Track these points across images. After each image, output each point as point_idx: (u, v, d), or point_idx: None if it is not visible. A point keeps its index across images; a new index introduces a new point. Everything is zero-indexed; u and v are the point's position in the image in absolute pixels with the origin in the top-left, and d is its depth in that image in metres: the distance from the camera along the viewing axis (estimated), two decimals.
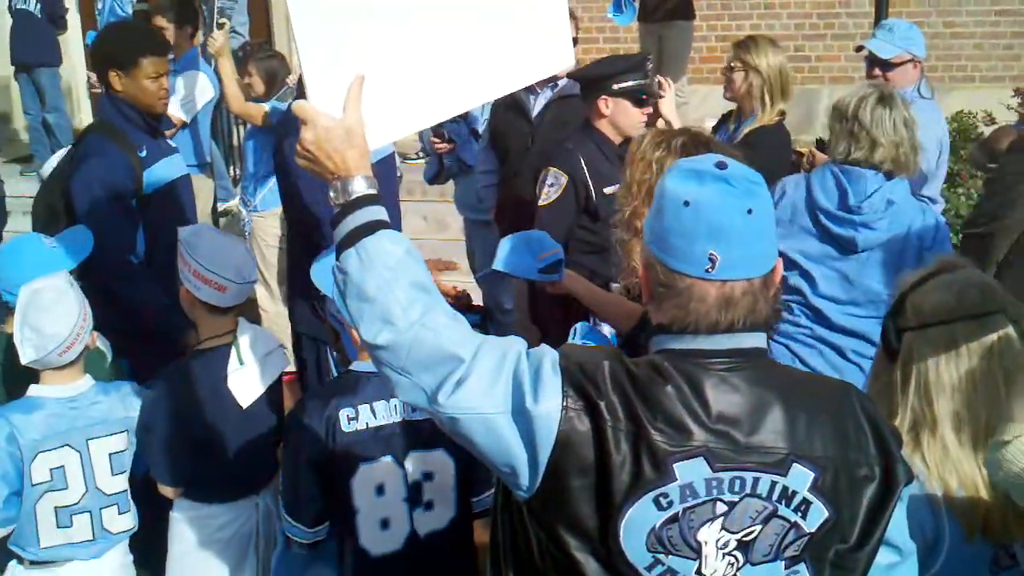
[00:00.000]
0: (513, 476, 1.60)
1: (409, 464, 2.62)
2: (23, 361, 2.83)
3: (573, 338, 2.83)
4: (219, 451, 3.00)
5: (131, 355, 3.39)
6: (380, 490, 2.59)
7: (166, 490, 3.03)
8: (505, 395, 1.57)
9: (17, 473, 2.81)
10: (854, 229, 3.24)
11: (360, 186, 1.75)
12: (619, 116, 3.83)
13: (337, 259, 1.71)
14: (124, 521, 2.99)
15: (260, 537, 3.07)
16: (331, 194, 1.76)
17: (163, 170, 3.88)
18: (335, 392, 2.63)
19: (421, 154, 7.31)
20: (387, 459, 2.60)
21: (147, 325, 3.48)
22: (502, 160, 4.66)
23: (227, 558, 3.03)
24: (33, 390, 2.90)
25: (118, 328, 3.41)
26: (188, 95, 5.97)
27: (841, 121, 3.28)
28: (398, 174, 4.88)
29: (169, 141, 4.32)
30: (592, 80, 3.89)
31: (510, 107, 4.44)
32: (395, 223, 3.81)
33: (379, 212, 1.73)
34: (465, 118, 5.81)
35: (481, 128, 5.16)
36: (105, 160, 3.69)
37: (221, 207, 7.26)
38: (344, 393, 2.61)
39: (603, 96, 3.82)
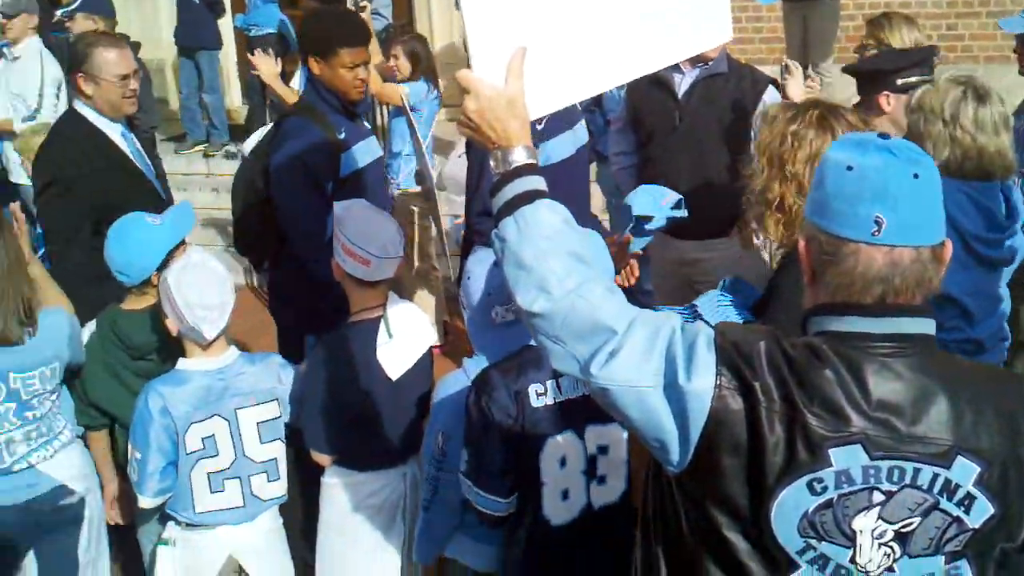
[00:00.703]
0: (663, 451, 1.61)
1: (587, 437, 2.66)
2: (172, 332, 2.96)
3: (701, 308, 2.83)
4: (369, 421, 3.08)
5: (319, 331, 3.48)
6: (563, 462, 2.63)
7: (320, 457, 3.13)
8: (657, 370, 1.58)
9: (172, 444, 2.95)
10: (1007, 245, 3.09)
11: (520, 156, 1.78)
12: (900, 113, 3.59)
13: (496, 227, 1.75)
14: (273, 488, 3.11)
15: (407, 506, 3.15)
16: (491, 163, 1.80)
17: (359, 153, 3.97)
18: (522, 366, 2.64)
19: None
20: (569, 433, 2.63)
21: (335, 303, 3.60)
22: (644, 141, 4.57)
23: (376, 524, 3.12)
24: (181, 363, 3.03)
25: (308, 306, 3.52)
26: None
27: (936, 124, 3.05)
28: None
29: (366, 124, 4.42)
30: (874, 74, 3.78)
31: (654, 85, 4.33)
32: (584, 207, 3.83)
33: (538, 182, 1.76)
34: (600, 107, 5.78)
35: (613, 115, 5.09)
36: (305, 141, 3.78)
37: None
38: (532, 368, 2.63)
39: (885, 92, 3.72)
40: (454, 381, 2.87)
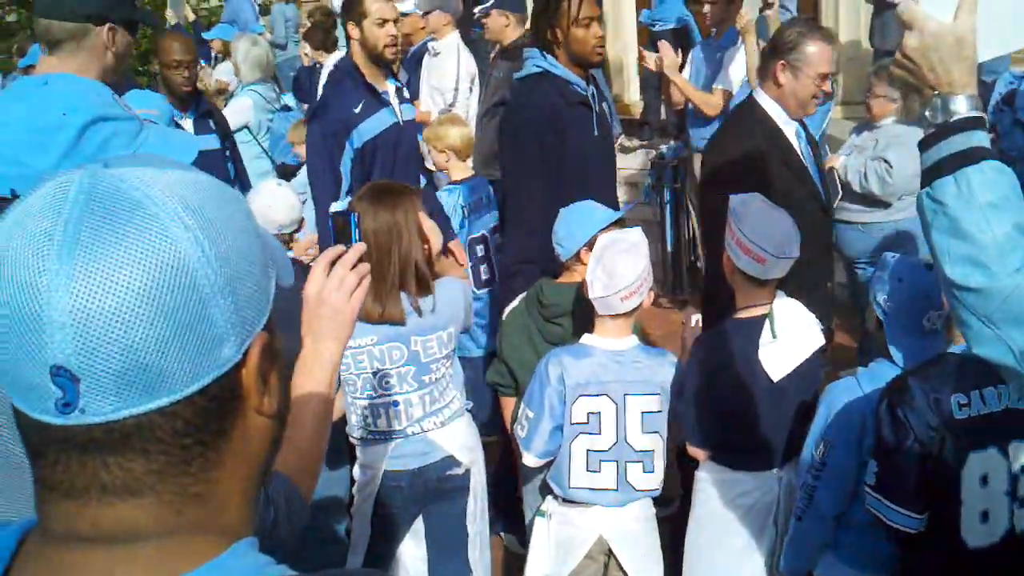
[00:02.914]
0: None
1: (1011, 454, 2.43)
2: (591, 296, 3.01)
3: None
4: (746, 420, 3.03)
5: None
6: (984, 481, 2.42)
7: (695, 451, 3.13)
8: None
9: (562, 410, 3.04)
10: None
11: (963, 106, 1.57)
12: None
13: (928, 186, 1.57)
14: (648, 480, 3.11)
15: (780, 510, 3.06)
16: (927, 112, 1.61)
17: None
18: (941, 375, 2.46)
19: None
20: (992, 449, 2.42)
21: None
22: None
23: (747, 525, 3.06)
24: (586, 338, 3.11)
25: None
26: (733, 69, 6.06)
27: None
28: None
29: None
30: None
31: None
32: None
33: (982, 139, 1.56)
34: (1012, 106, 5.25)
35: None
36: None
37: None
38: (951, 377, 2.44)
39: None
40: (843, 388, 2.75)
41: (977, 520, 2.43)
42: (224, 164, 5.06)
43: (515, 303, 3.55)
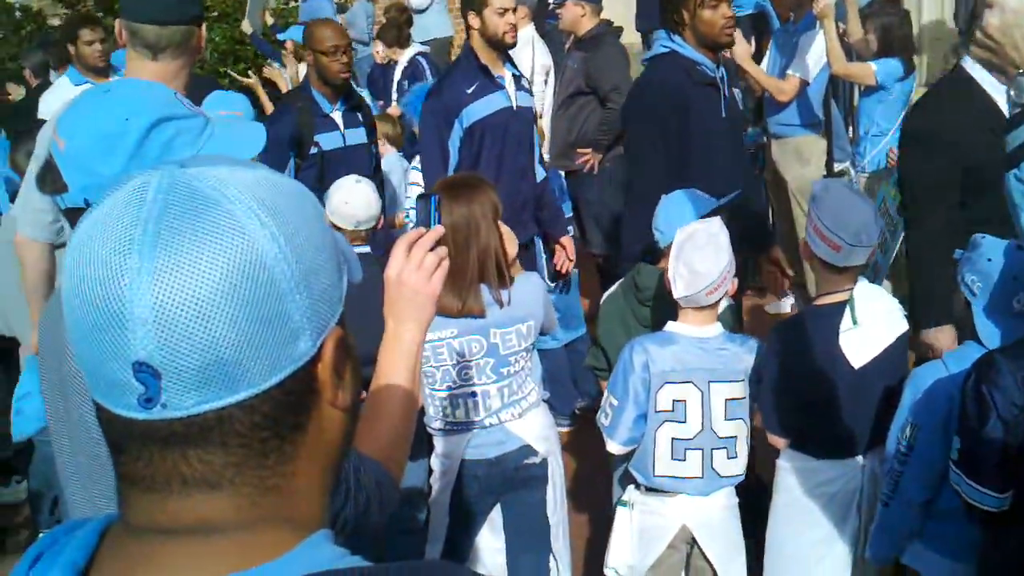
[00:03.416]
0: None
1: None
2: (675, 295, 2.99)
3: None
4: (827, 408, 2.98)
5: None
6: None
7: (775, 439, 3.09)
8: None
9: (647, 398, 3.03)
10: None
11: None
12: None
13: (1016, 168, 1.54)
14: (733, 467, 3.08)
15: (864, 498, 3.01)
16: (1012, 92, 1.59)
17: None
18: None
19: None
20: None
21: None
22: None
23: (829, 513, 3.02)
24: (670, 326, 3.09)
25: None
26: (808, 54, 5.96)
27: None
28: None
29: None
30: None
31: None
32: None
33: None
34: None
35: None
36: None
37: (836, 167, 7.18)
38: None
39: None
40: (929, 371, 2.71)
41: None
42: (369, 159, 4.94)
43: (613, 288, 3.58)
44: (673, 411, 3.02)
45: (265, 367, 0.81)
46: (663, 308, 3.23)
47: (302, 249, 0.83)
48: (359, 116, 4.96)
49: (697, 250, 2.94)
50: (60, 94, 5.16)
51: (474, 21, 4.46)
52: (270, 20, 9.97)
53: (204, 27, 2.77)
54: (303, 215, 0.86)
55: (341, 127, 4.80)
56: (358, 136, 4.88)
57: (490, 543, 3.37)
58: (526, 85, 4.79)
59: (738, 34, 6.05)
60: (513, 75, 4.63)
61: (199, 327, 0.78)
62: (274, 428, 0.83)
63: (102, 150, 1.56)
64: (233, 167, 0.86)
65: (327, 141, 4.72)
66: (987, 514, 2.45)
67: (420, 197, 1.94)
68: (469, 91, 4.42)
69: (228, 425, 0.81)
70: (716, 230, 3.00)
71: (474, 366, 3.12)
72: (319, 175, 4.56)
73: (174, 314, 0.77)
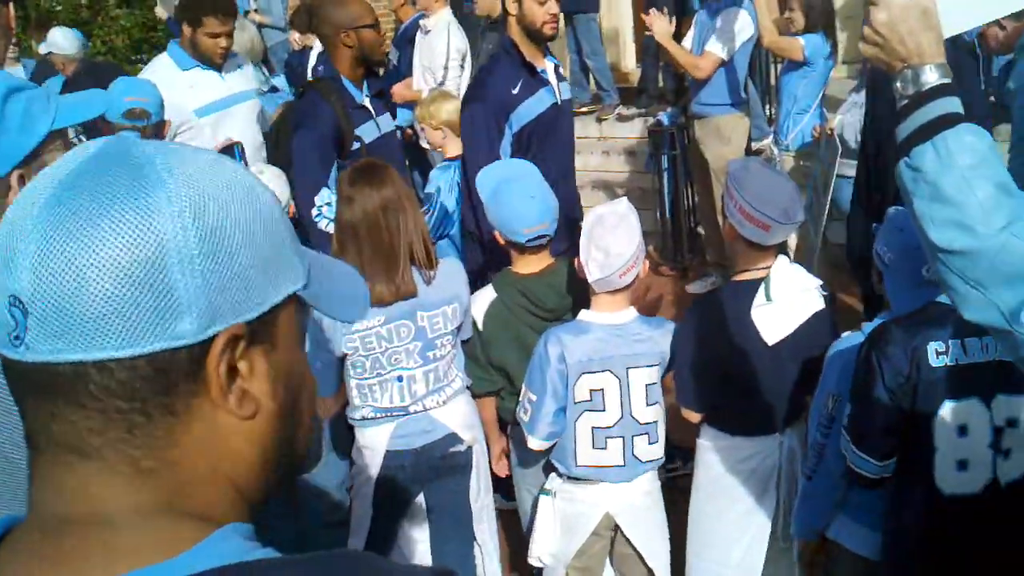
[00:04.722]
0: None
1: (995, 407, 2.41)
2: (589, 279, 2.95)
3: None
4: (742, 384, 2.99)
5: None
6: (962, 431, 2.41)
7: (689, 413, 3.09)
8: None
9: (565, 390, 2.99)
10: None
11: (934, 75, 1.59)
12: None
13: (906, 155, 1.58)
14: (653, 451, 3.08)
15: (782, 476, 3.03)
16: (898, 85, 1.62)
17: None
18: (922, 323, 2.45)
19: None
20: (973, 400, 2.40)
21: None
22: None
23: (748, 491, 3.03)
24: (583, 315, 3.06)
25: None
26: (727, 31, 6.00)
27: None
28: None
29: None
30: None
31: None
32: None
33: (956, 104, 1.57)
34: None
35: None
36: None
37: (755, 146, 7.26)
38: (932, 325, 2.43)
39: None
40: (848, 340, 2.73)
41: (952, 468, 2.42)
42: (401, 144, 4.70)
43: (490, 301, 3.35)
44: (591, 400, 3.00)
45: (130, 333, 0.80)
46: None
47: (216, 231, 0.83)
48: (381, 101, 4.54)
49: (608, 231, 2.91)
50: (164, 77, 4.46)
51: (512, 7, 4.19)
52: None
53: (11, 6, 2.67)
54: (243, 205, 0.86)
55: (374, 115, 4.37)
56: (388, 122, 4.50)
57: (414, 533, 3.34)
58: (563, 74, 4.57)
59: (657, 13, 6.09)
60: (554, 65, 4.37)
61: (70, 272, 0.78)
62: (135, 402, 0.82)
63: None
64: (188, 149, 0.88)
65: (366, 133, 4.28)
66: (869, 480, 2.52)
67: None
68: (515, 91, 4.13)
69: (83, 384, 0.80)
70: (625, 211, 2.98)
71: (403, 351, 3.09)
72: None
73: (53, 256, 0.79)
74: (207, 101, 4.70)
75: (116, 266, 0.79)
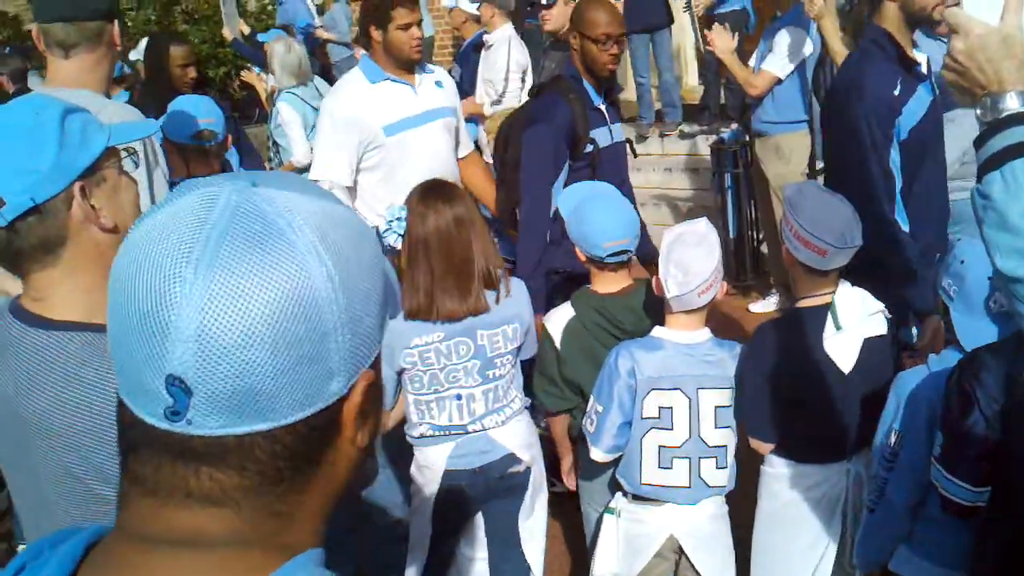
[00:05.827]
0: None
1: None
2: (667, 296, 2.93)
3: None
4: (811, 412, 2.95)
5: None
6: None
7: (758, 445, 3.05)
8: None
9: (632, 404, 2.97)
10: None
11: (1013, 103, 1.60)
12: None
13: (979, 182, 1.59)
14: (721, 476, 3.04)
15: (848, 503, 2.98)
16: (978, 111, 1.64)
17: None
18: (1013, 351, 2.38)
19: None
20: None
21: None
22: None
23: (815, 519, 2.98)
24: (657, 331, 3.03)
25: None
26: (784, 50, 5.95)
27: None
28: None
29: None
30: None
31: None
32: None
33: None
34: None
35: None
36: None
37: (819, 164, 7.18)
38: None
39: None
40: (912, 376, 2.67)
41: None
42: (627, 158, 4.53)
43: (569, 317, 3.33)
44: (659, 418, 2.97)
45: (295, 402, 0.82)
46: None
47: (353, 293, 0.84)
48: (615, 109, 4.41)
49: (688, 249, 2.89)
50: (352, 92, 4.22)
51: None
52: (246, 30, 9.93)
53: (117, 23, 2.74)
54: (360, 257, 0.86)
55: (608, 121, 4.22)
56: (619, 132, 4.35)
57: (472, 551, 3.34)
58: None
59: (720, 28, 6.06)
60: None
61: (239, 355, 0.78)
62: (292, 459, 0.84)
63: (27, 146, 1.57)
64: (303, 192, 0.86)
65: (600, 137, 4.13)
66: (963, 508, 2.44)
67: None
68: (896, 92, 3.44)
69: (248, 451, 0.82)
70: (704, 230, 2.96)
71: (462, 368, 3.08)
72: (590, 177, 3.98)
73: (218, 338, 0.78)
74: (397, 118, 4.16)
75: (283, 341, 0.79)
